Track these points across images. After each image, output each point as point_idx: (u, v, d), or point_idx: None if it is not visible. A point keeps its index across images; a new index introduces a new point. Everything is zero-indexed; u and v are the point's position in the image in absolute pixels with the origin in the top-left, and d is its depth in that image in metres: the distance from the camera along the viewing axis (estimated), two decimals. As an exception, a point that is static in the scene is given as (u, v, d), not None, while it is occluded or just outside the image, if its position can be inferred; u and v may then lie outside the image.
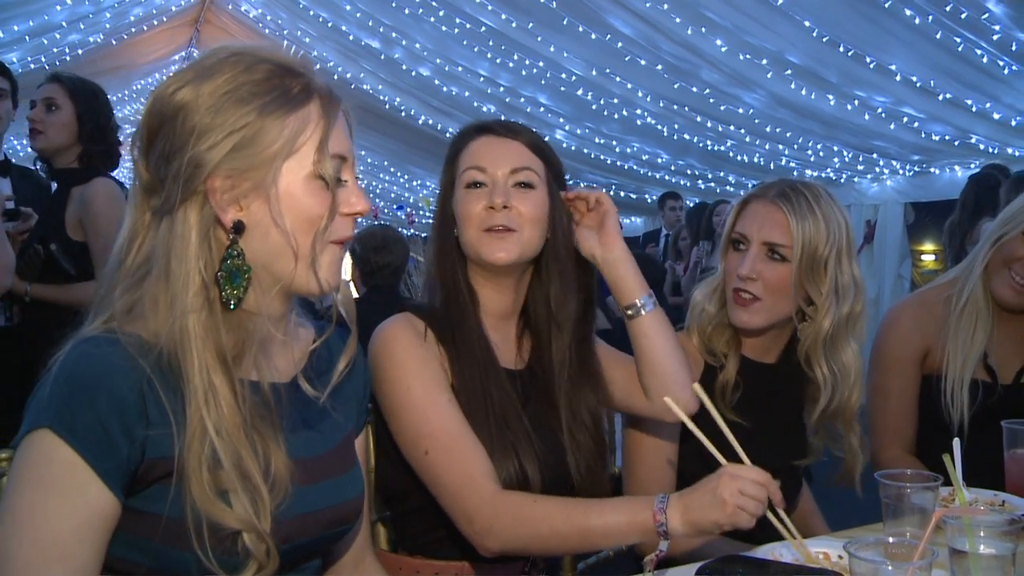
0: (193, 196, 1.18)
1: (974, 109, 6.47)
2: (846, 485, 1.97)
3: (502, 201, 1.68)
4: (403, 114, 10.15)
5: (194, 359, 1.15)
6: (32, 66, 8.03)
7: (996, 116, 6.48)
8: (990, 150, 6.94)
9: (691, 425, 1.50)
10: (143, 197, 1.23)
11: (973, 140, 6.98)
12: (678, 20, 6.36)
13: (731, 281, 1.92)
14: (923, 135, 7.16)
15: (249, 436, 1.18)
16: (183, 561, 1.15)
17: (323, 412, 1.35)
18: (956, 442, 1.71)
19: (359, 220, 1.33)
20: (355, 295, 6.56)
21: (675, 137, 8.69)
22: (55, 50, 8.20)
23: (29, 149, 3.25)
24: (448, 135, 10.01)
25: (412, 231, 11.18)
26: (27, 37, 7.68)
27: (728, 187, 9.88)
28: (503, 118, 1.86)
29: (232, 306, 1.19)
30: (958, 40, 5.68)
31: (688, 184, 10.10)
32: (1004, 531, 1.27)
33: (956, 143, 7.09)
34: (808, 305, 1.91)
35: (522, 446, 1.65)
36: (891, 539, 1.20)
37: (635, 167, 10.05)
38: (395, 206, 12.98)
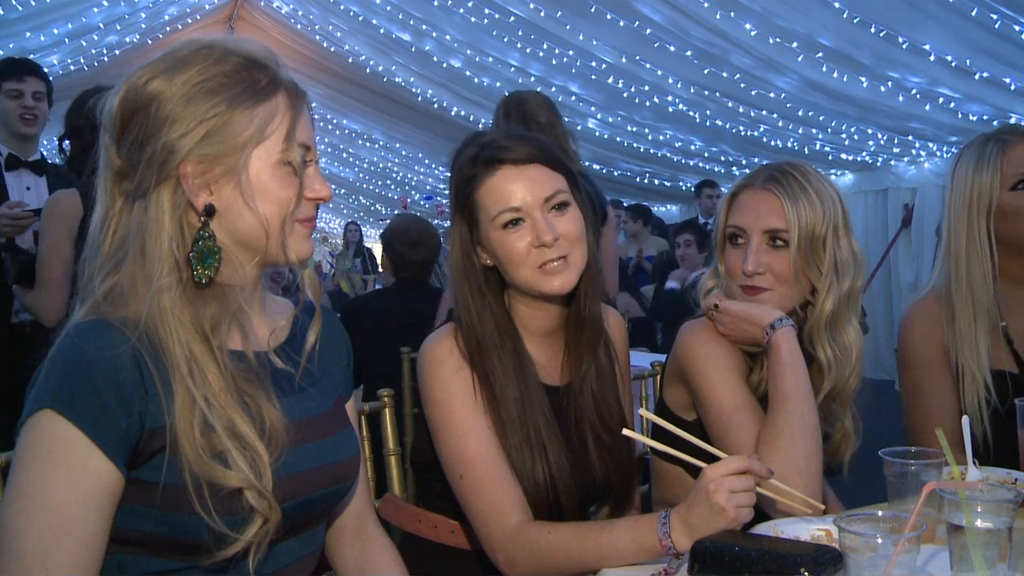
0: (166, 180, 1.25)
1: (1013, 87, 6.33)
2: (831, 467, 1.93)
3: (552, 237, 1.68)
4: (435, 106, 10.20)
5: (172, 333, 1.22)
6: (72, 68, 8.22)
7: (1036, 94, 6.35)
8: (1031, 129, 6.77)
9: (661, 447, 1.53)
10: (114, 182, 1.29)
11: (1013, 119, 6.80)
12: (706, 5, 6.30)
13: (736, 278, 1.87)
14: (960, 115, 7.02)
15: (238, 400, 1.25)
16: (192, 524, 1.20)
17: (312, 378, 1.42)
18: (965, 420, 1.70)
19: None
20: (382, 284, 6.62)
21: (707, 123, 8.60)
22: (93, 51, 8.39)
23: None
24: (481, 126, 10.07)
25: (439, 221, 11.21)
26: (66, 40, 7.87)
27: (763, 173, 9.73)
28: (503, 131, 1.85)
29: (204, 283, 1.27)
30: (995, 16, 5.54)
31: (723, 171, 10.00)
32: (1002, 506, 1.27)
33: (995, 123, 6.92)
34: (811, 293, 1.87)
35: (554, 460, 1.69)
36: (880, 512, 1.21)
37: (669, 155, 9.97)
38: (424, 197, 12.99)
